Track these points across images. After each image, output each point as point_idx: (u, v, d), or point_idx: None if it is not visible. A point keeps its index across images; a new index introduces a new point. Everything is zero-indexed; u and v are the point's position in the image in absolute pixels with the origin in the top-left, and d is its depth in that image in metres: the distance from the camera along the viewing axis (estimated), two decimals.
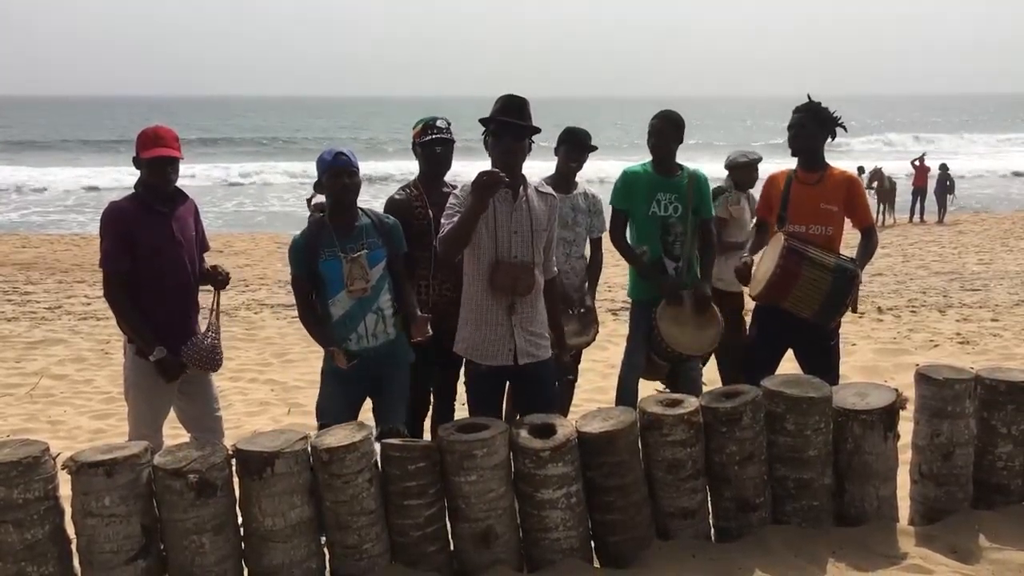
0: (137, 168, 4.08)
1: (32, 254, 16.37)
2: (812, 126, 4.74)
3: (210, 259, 4.47)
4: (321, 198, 5.28)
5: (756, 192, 5.51)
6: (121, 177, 29.98)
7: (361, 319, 4.04)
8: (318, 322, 4.09)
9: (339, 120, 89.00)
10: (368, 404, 4.23)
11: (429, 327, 4.08)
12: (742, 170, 6.24)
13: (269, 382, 7.50)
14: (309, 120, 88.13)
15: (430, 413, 4.67)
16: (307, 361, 7.94)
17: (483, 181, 3.57)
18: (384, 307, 4.09)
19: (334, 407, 4.05)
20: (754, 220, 5.85)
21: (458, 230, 3.69)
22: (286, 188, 31.86)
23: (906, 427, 3.93)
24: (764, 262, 4.67)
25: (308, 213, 14.40)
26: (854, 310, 5.40)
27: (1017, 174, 36.36)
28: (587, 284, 5.21)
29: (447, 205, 3.84)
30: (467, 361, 3.93)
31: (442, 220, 3.82)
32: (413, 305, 4.15)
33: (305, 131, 67.01)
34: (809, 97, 4.82)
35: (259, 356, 8.44)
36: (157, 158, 4.01)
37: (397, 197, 4.52)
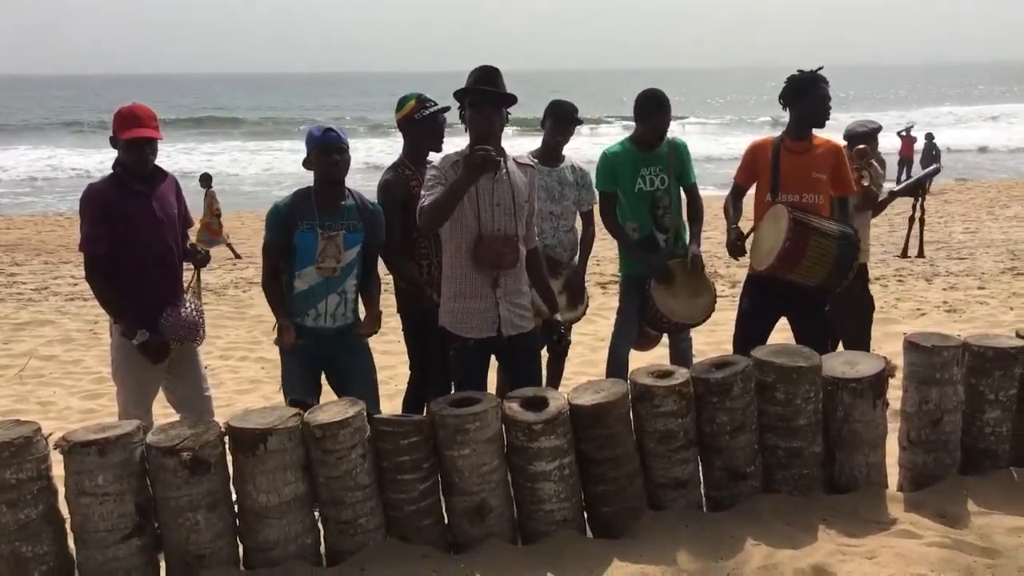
0: (114, 148, 4.03)
1: (16, 235, 16.24)
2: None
3: (195, 238, 4.45)
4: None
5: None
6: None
7: (323, 297, 4.03)
8: (280, 293, 4.07)
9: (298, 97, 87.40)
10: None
11: (380, 325, 4.12)
12: (861, 140, 6.02)
13: (259, 360, 7.48)
14: (256, 97, 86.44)
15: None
16: None
17: (478, 158, 3.51)
18: (348, 291, 4.08)
19: (297, 382, 4.06)
20: (876, 187, 5.95)
21: (443, 202, 3.64)
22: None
23: (895, 395, 3.97)
24: (767, 235, 4.65)
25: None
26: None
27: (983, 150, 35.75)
28: (577, 258, 5.22)
29: (428, 178, 3.81)
30: (453, 336, 3.92)
31: (422, 192, 3.79)
32: (373, 297, 4.16)
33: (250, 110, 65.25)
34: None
35: (249, 334, 8.42)
36: (135, 139, 3.96)
37: (390, 178, 4.44)
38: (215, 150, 37.10)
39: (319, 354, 4.08)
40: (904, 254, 8.03)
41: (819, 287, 4.64)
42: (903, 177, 22.45)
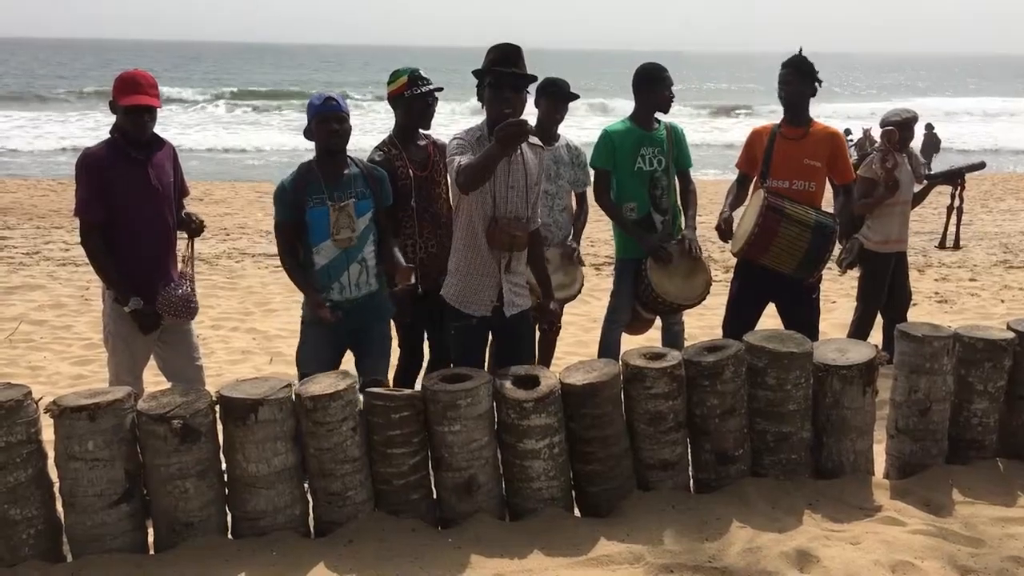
0: (113, 113, 4.00)
1: (8, 199, 16.13)
2: (798, 80, 4.73)
3: (189, 207, 4.42)
4: None
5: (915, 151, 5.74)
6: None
7: (345, 269, 4.02)
8: (302, 270, 4.05)
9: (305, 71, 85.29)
10: (349, 356, 4.22)
11: (413, 276, 4.08)
12: (896, 128, 5.99)
13: (251, 331, 7.48)
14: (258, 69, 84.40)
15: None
16: (289, 311, 7.91)
17: (509, 132, 3.42)
18: (368, 258, 4.07)
19: (315, 357, 4.04)
20: (916, 178, 6.09)
21: (481, 166, 3.53)
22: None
23: (884, 383, 3.98)
24: (745, 219, 4.69)
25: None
26: (844, 271, 5.52)
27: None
28: (570, 238, 5.21)
29: (452, 146, 3.73)
30: (454, 313, 3.91)
31: (450, 155, 3.71)
32: (396, 255, 4.13)
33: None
34: (800, 51, 4.81)
35: (240, 305, 8.40)
36: (134, 106, 3.92)
37: (377, 158, 4.40)
38: (192, 121, 36.45)
39: (347, 328, 4.06)
40: (942, 244, 8.07)
41: (792, 274, 4.65)
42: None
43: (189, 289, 4.12)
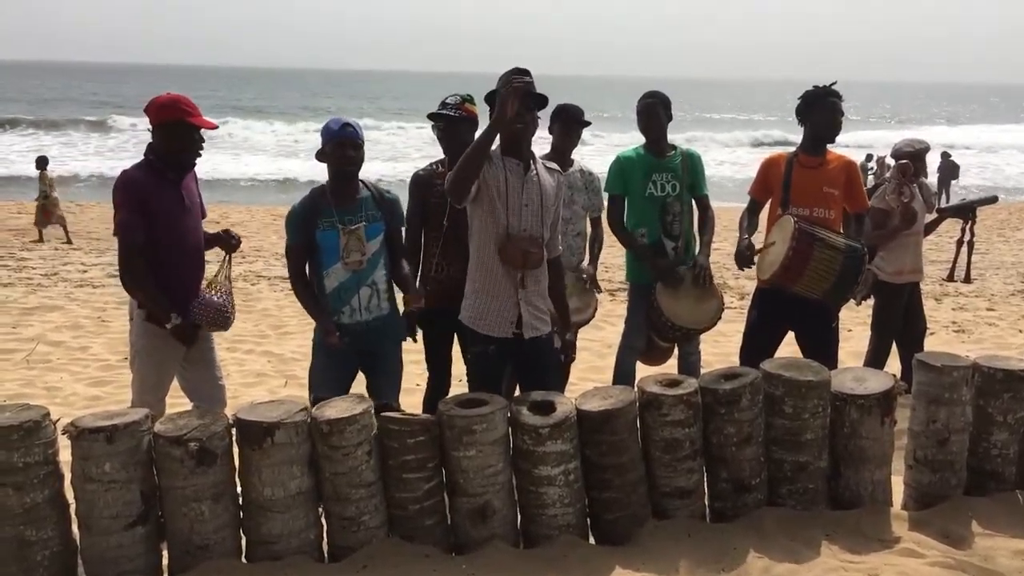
0: (156, 136, 3.99)
1: (27, 220, 16.27)
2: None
3: (210, 229, 4.44)
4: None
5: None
6: None
7: (355, 292, 4.04)
8: (313, 294, 4.08)
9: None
10: (361, 378, 4.23)
11: (423, 300, 4.10)
12: (909, 160, 5.99)
13: (266, 354, 7.50)
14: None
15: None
16: (304, 333, 7.93)
17: (511, 90, 3.50)
18: (379, 281, 4.09)
19: (326, 379, 4.05)
20: (927, 207, 6.07)
21: (468, 160, 3.57)
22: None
23: (902, 413, 3.96)
24: (773, 245, 4.67)
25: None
26: (859, 302, 5.50)
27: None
28: (585, 262, 5.21)
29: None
30: (471, 335, 3.91)
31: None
32: (407, 277, 4.16)
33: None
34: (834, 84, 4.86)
35: (256, 328, 8.44)
36: (199, 127, 3.97)
37: (421, 172, 4.52)
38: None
39: (357, 349, 4.08)
40: (950, 278, 8.04)
41: (823, 300, 4.64)
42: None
43: (224, 299, 4.13)
